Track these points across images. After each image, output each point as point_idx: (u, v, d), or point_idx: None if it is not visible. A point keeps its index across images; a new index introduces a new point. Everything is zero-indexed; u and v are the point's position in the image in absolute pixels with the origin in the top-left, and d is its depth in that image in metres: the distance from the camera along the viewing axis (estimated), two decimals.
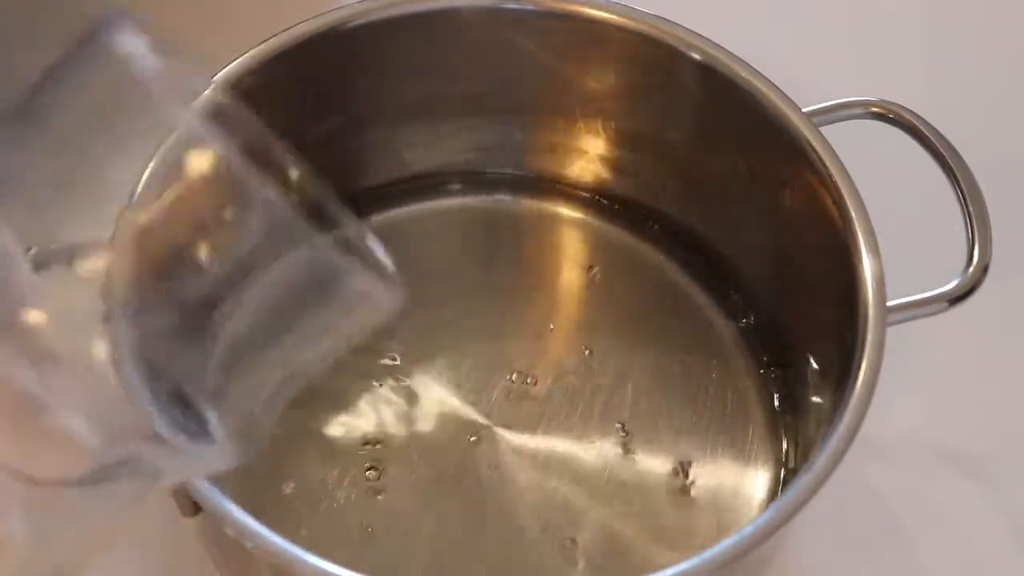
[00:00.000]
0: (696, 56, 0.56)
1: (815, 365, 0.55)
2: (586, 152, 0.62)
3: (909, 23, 0.74)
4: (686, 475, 0.56)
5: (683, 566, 0.45)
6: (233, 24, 0.70)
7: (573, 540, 0.54)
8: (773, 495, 0.56)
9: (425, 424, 0.57)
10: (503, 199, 0.64)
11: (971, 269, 0.52)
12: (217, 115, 0.34)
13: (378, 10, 0.57)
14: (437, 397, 0.57)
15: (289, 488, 0.55)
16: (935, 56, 0.73)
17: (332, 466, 0.55)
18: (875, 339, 0.49)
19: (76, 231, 0.36)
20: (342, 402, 0.57)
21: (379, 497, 0.55)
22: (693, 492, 0.56)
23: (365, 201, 0.62)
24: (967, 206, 0.53)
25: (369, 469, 0.55)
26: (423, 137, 0.62)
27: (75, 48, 0.34)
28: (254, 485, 0.55)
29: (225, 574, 0.53)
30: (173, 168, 0.34)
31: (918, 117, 0.55)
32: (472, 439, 0.56)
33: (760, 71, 0.56)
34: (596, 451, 0.56)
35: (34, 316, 0.34)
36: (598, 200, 0.63)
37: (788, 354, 0.58)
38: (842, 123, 0.56)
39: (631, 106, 0.60)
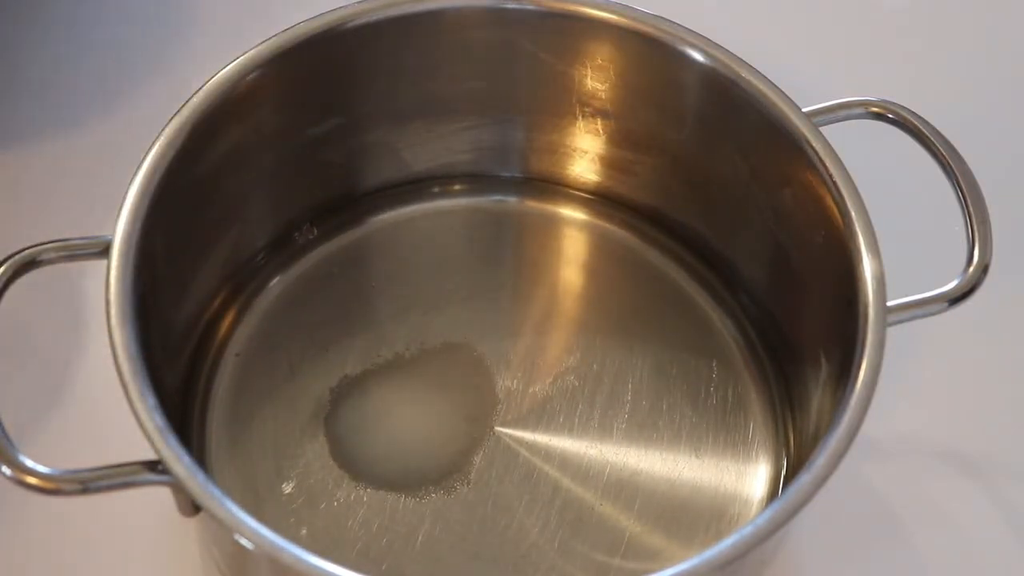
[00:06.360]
0: (696, 56, 0.56)
1: (815, 365, 0.55)
2: (586, 152, 0.62)
3: (909, 23, 0.74)
4: (686, 475, 0.56)
5: (683, 566, 0.45)
6: (233, 23, 0.70)
7: (574, 540, 0.54)
8: (773, 495, 0.56)
9: (425, 423, 0.57)
10: (503, 199, 0.64)
11: (971, 269, 0.52)
12: None
13: (378, 10, 0.57)
14: (437, 396, 0.57)
15: (289, 488, 0.55)
16: (935, 56, 0.73)
17: (332, 466, 0.55)
18: (875, 339, 0.49)
19: None
20: (343, 402, 0.57)
21: (379, 497, 0.55)
22: (693, 492, 0.56)
23: (366, 202, 0.62)
24: (967, 206, 0.53)
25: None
26: (423, 137, 0.62)
27: None
28: (254, 485, 0.55)
29: (225, 574, 0.53)
30: None
31: (918, 117, 0.55)
32: (472, 439, 0.56)
33: (760, 71, 0.56)
34: (596, 451, 0.56)
35: None
36: (598, 200, 0.63)
37: (788, 354, 0.58)
38: (842, 123, 0.56)
39: (631, 106, 0.60)
